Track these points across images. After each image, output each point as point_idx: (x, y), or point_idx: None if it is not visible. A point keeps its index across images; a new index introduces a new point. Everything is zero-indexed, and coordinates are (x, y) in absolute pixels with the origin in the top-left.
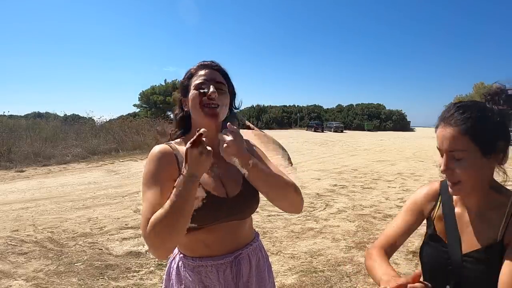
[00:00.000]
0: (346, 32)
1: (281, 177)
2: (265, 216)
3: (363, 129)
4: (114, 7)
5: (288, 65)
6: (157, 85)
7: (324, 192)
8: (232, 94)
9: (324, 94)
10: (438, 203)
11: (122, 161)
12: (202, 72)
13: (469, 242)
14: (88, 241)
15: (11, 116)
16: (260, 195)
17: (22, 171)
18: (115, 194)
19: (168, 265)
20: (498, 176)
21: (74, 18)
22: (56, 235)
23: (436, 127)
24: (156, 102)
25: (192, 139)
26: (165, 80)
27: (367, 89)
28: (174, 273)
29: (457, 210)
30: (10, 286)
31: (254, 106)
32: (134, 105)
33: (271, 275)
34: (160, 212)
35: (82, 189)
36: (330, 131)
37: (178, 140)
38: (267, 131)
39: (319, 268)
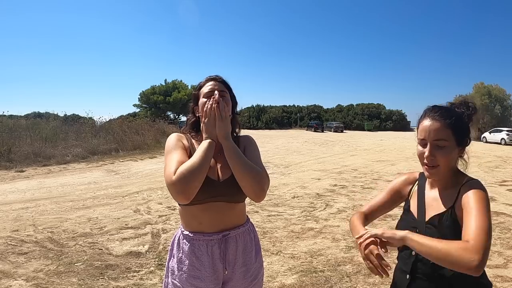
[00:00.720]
0: (346, 32)
1: (247, 161)
2: (265, 216)
3: (363, 129)
4: (114, 7)
5: (288, 65)
6: (157, 85)
7: (324, 192)
8: (233, 102)
9: (324, 94)
10: (415, 185)
11: (122, 161)
12: (209, 83)
13: (431, 213)
14: (88, 241)
15: (11, 116)
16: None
17: (22, 171)
18: (115, 194)
19: (172, 240)
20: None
21: (74, 18)
22: (56, 235)
23: (420, 122)
24: (156, 102)
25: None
26: (165, 80)
27: (367, 89)
28: (175, 243)
29: (427, 190)
30: (10, 286)
31: (254, 106)
32: (134, 105)
33: (259, 257)
34: (187, 163)
35: (82, 189)
36: (330, 131)
37: (189, 134)
38: (267, 131)
39: (319, 268)
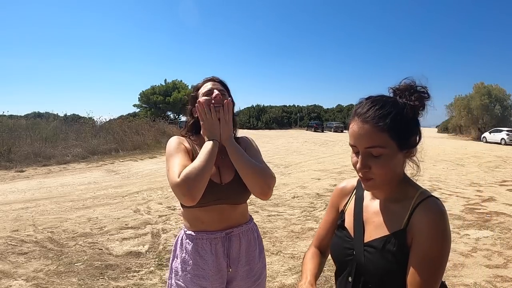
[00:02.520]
0: (346, 32)
1: (252, 161)
2: (265, 216)
3: None
4: (114, 7)
5: (288, 65)
6: (157, 85)
7: (324, 192)
8: (231, 103)
9: (324, 94)
10: (351, 197)
11: (122, 161)
12: (207, 84)
13: (372, 232)
14: (88, 241)
15: (11, 116)
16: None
17: (22, 171)
18: (115, 194)
19: (175, 240)
20: (410, 169)
21: (74, 19)
22: (56, 235)
23: (351, 121)
24: (156, 102)
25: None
26: (165, 80)
27: (367, 89)
28: (179, 243)
29: (366, 203)
30: (10, 286)
31: (254, 106)
32: (134, 105)
33: (262, 255)
34: (192, 165)
35: (82, 189)
36: (330, 131)
37: (190, 137)
38: (267, 131)
39: None
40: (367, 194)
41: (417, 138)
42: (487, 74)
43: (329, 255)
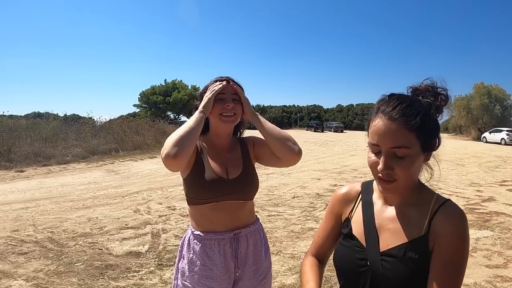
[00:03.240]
0: (346, 32)
1: (278, 128)
2: (265, 216)
3: (363, 129)
4: (114, 7)
5: (288, 65)
6: (157, 85)
7: (324, 192)
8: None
9: (324, 94)
10: (357, 203)
11: (122, 161)
12: (217, 83)
13: (388, 240)
14: (88, 241)
15: (11, 116)
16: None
17: (22, 171)
18: (115, 194)
19: (182, 240)
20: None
21: (74, 19)
22: (56, 235)
23: (371, 120)
24: (156, 102)
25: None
26: (165, 80)
27: (367, 89)
28: (186, 244)
29: (377, 209)
30: (10, 286)
31: (254, 106)
32: (134, 105)
33: (268, 255)
34: (178, 130)
35: (82, 189)
36: (330, 131)
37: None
38: None
39: None
40: (376, 200)
41: (437, 142)
42: (487, 74)
43: (325, 262)
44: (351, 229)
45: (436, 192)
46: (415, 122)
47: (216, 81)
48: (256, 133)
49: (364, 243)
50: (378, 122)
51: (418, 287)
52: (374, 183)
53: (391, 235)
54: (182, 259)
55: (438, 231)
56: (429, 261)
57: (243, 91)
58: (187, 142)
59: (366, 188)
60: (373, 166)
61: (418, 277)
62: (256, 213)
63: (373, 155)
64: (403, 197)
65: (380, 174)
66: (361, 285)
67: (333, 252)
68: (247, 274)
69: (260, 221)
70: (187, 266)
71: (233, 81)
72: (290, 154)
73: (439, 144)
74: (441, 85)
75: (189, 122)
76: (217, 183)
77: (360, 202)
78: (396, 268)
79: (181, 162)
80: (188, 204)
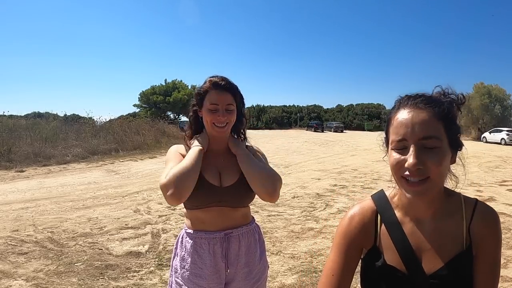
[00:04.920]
0: (346, 32)
1: (260, 164)
2: (265, 216)
3: (363, 129)
4: (114, 7)
5: (288, 65)
6: (157, 85)
7: (324, 192)
8: (240, 104)
9: (324, 94)
10: (379, 226)
11: (122, 161)
12: (215, 93)
13: (431, 261)
14: (88, 241)
15: (11, 116)
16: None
17: (22, 171)
18: (115, 194)
19: (176, 239)
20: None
21: (74, 18)
22: (56, 235)
23: (393, 117)
24: (156, 102)
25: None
26: (165, 80)
27: (367, 89)
28: (179, 242)
29: (408, 228)
30: (10, 286)
31: (254, 106)
32: (134, 105)
33: (264, 258)
34: (177, 166)
35: (82, 189)
36: (330, 131)
37: (192, 140)
38: (267, 131)
39: (319, 268)
40: (403, 217)
41: (461, 142)
42: (487, 74)
43: None
44: (384, 258)
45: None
46: (442, 109)
47: (211, 80)
48: (252, 133)
49: (406, 270)
50: (402, 114)
51: None
52: (390, 194)
53: (433, 255)
54: (175, 256)
55: (479, 238)
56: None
57: (238, 90)
58: (190, 184)
59: (381, 203)
60: (398, 165)
61: None
62: (256, 213)
63: (397, 153)
64: (435, 208)
65: (408, 173)
66: None
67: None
68: (239, 276)
69: (259, 223)
70: (179, 264)
71: (228, 81)
72: (263, 195)
73: (461, 146)
74: (452, 91)
75: (189, 160)
76: (209, 191)
77: (383, 225)
78: None
79: (184, 200)
80: (184, 206)
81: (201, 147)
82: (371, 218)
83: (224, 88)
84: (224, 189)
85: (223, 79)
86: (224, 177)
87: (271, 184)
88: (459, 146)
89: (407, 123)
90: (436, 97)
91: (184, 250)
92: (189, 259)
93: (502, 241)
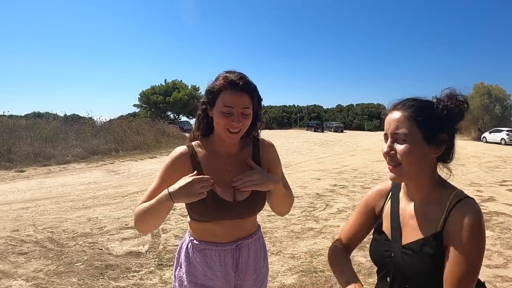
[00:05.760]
0: (346, 32)
1: (290, 189)
2: (265, 216)
3: (363, 129)
4: (115, 7)
5: (288, 65)
6: (157, 85)
7: (324, 192)
8: (257, 105)
9: (324, 94)
10: (388, 199)
11: (122, 161)
12: (230, 94)
13: (409, 235)
14: (88, 241)
15: (11, 116)
16: None
17: (22, 171)
18: (115, 194)
19: (179, 247)
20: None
21: (74, 18)
22: (56, 235)
23: (385, 116)
24: (156, 102)
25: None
26: (165, 80)
27: (367, 89)
28: (183, 253)
29: (402, 205)
30: (10, 286)
31: None
32: (134, 105)
33: (266, 261)
34: (141, 206)
35: (82, 189)
36: (330, 131)
37: (198, 142)
38: (267, 131)
39: (319, 268)
40: (402, 197)
41: (447, 136)
42: (487, 74)
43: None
44: (380, 224)
45: (457, 189)
46: (411, 111)
47: (226, 76)
48: (269, 134)
49: (390, 237)
50: (387, 115)
51: (433, 280)
52: None
53: (411, 231)
54: (179, 268)
55: (453, 229)
56: (444, 255)
57: (256, 91)
58: (149, 228)
59: (396, 185)
60: (383, 154)
61: (433, 271)
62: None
63: (385, 145)
64: (423, 194)
65: (387, 158)
66: (386, 273)
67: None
68: (247, 282)
69: (260, 224)
70: (185, 276)
71: (246, 79)
72: (281, 214)
73: (450, 143)
74: (460, 94)
75: (154, 209)
76: (222, 207)
77: (390, 199)
78: (413, 262)
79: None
80: (189, 215)
81: (172, 203)
82: (386, 193)
83: (242, 88)
84: (238, 203)
85: (241, 77)
86: (237, 192)
87: (291, 206)
88: (440, 142)
89: (387, 121)
90: (418, 98)
91: (191, 261)
92: (199, 272)
93: (502, 241)
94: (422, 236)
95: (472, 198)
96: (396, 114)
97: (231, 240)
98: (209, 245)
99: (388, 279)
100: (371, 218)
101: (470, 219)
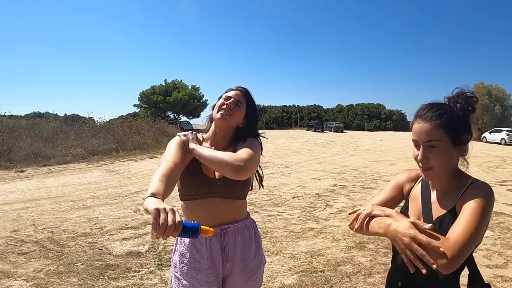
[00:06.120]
0: (346, 32)
1: (214, 153)
2: (265, 216)
3: (363, 129)
4: (115, 8)
5: (288, 65)
6: (157, 85)
7: (324, 192)
8: (251, 110)
9: (324, 94)
10: (417, 183)
11: (122, 161)
12: (231, 90)
13: (435, 212)
14: (88, 241)
15: (11, 116)
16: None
17: (22, 171)
18: (115, 194)
19: None
20: (462, 166)
21: (73, 18)
22: (56, 235)
23: (413, 123)
24: (156, 102)
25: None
26: (165, 80)
27: (367, 89)
28: (178, 238)
29: (430, 189)
30: (10, 286)
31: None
32: (134, 105)
33: (259, 253)
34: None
35: (82, 189)
36: (330, 131)
37: (202, 134)
38: (267, 131)
39: (319, 268)
40: (430, 184)
41: (468, 136)
42: (487, 74)
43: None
44: (407, 208)
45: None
46: (441, 121)
47: (232, 88)
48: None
49: (422, 219)
50: (416, 124)
51: None
52: None
53: (435, 211)
54: (175, 252)
55: (464, 200)
56: None
57: (252, 99)
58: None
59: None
60: (415, 157)
61: None
62: (256, 213)
63: (415, 149)
64: (444, 184)
65: (420, 164)
66: None
67: None
68: (235, 270)
69: (259, 223)
70: (178, 259)
71: (247, 89)
72: (229, 175)
73: (469, 139)
74: (468, 90)
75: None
76: (204, 182)
77: (419, 184)
78: (440, 232)
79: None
80: (180, 199)
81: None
82: (416, 177)
83: (241, 89)
84: (218, 180)
85: (243, 87)
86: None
87: (232, 164)
88: (463, 142)
89: (417, 131)
90: (442, 106)
91: (182, 245)
92: (188, 254)
93: (502, 241)
94: (443, 212)
95: (487, 184)
96: (425, 125)
97: (215, 223)
98: None
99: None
100: (400, 195)
101: (479, 191)
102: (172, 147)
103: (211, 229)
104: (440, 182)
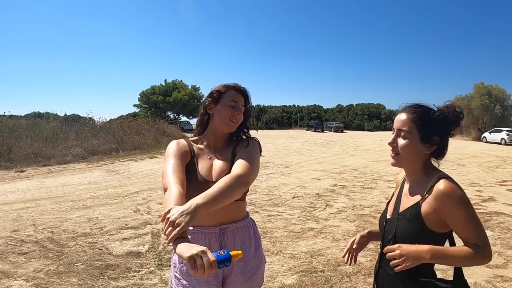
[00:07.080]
0: (346, 32)
1: (221, 189)
2: (265, 216)
3: (363, 129)
4: (115, 8)
5: (288, 66)
6: (157, 85)
7: (324, 192)
8: (248, 111)
9: (324, 94)
10: (399, 184)
11: (122, 161)
12: (235, 93)
13: (402, 205)
14: (88, 241)
15: (11, 116)
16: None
17: (22, 171)
18: (115, 194)
19: None
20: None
21: (74, 18)
22: (56, 235)
23: (396, 115)
24: (156, 102)
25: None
26: (165, 80)
27: (367, 89)
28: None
29: (405, 185)
30: (10, 286)
31: (254, 106)
32: (134, 105)
33: (259, 252)
34: (165, 197)
35: (82, 189)
36: (330, 131)
37: (195, 138)
38: (267, 131)
39: (319, 268)
40: (406, 180)
41: (438, 139)
42: (487, 74)
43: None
44: (390, 199)
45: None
46: (415, 116)
47: (232, 87)
48: (252, 133)
49: (388, 210)
50: (397, 115)
51: (411, 237)
52: None
53: (404, 203)
54: (174, 252)
55: (428, 197)
56: (423, 221)
57: (251, 102)
58: None
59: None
60: (388, 143)
61: (415, 234)
62: (256, 213)
63: (392, 137)
64: (414, 178)
65: (391, 148)
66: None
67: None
68: (235, 270)
69: (259, 223)
70: (177, 259)
71: (247, 93)
72: (241, 194)
73: (442, 145)
74: (458, 106)
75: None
76: (202, 184)
77: (401, 184)
78: (401, 225)
79: None
80: None
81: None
82: (400, 179)
83: (242, 91)
84: (214, 182)
85: (243, 87)
86: (216, 171)
87: (238, 194)
88: (432, 142)
89: (396, 119)
90: (421, 105)
91: None
92: None
93: (502, 241)
94: (407, 206)
95: (451, 178)
96: (403, 115)
97: (214, 224)
98: (195, 228)
99: (389, 236)
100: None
101: (441, 196)
102: (173, 152)
103: (239, 252)
104: (410, 176)
